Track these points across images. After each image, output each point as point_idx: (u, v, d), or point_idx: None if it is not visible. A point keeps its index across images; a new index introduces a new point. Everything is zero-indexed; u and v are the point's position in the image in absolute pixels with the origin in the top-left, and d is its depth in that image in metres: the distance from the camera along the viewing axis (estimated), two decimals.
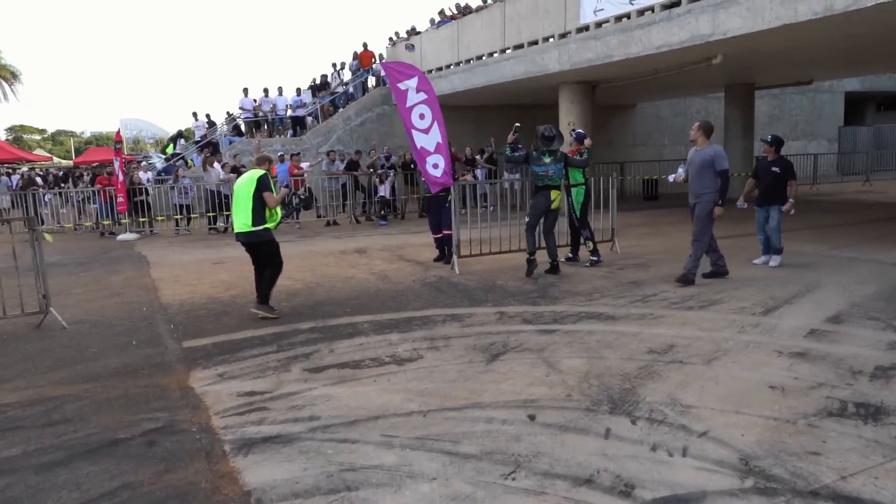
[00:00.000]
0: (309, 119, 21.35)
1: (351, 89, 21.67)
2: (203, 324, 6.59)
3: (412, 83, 8.47)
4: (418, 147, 8.52)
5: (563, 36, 13.59)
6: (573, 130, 9.49)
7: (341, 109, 20.97)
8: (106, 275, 9.85)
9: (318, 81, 22.57)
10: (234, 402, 4.44)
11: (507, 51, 15.52)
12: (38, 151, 46.37)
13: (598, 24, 12.63)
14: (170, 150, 22.91)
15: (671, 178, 8.12)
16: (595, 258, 8.93)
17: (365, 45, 21.65)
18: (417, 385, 4.59)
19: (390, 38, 21.40)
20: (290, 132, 21.07)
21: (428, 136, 8.44)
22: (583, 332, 5.73)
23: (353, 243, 12.14)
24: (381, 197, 15.71)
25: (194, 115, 21.67)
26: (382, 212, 15.74)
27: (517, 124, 8.53)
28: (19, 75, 52.50)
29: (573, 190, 9.01)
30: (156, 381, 4.93)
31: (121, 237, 14.32)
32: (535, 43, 14.40)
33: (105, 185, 14.93)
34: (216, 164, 15.54)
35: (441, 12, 18.73)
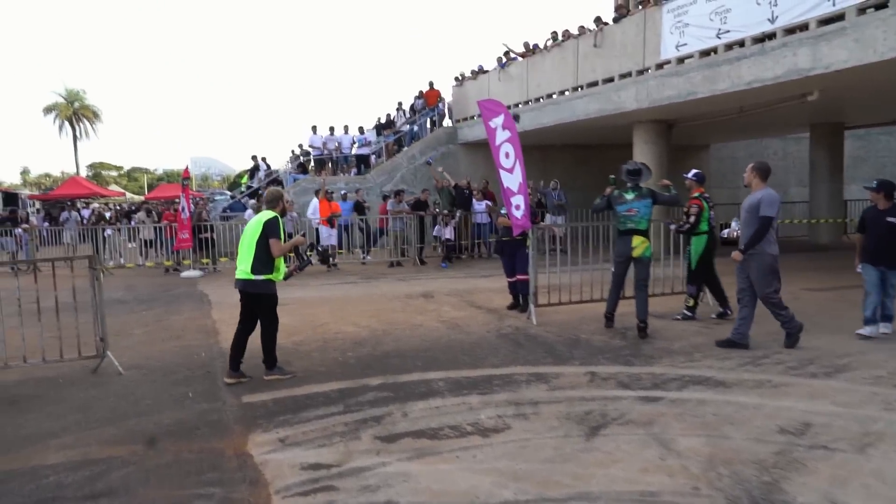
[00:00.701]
0: (373, 158, 21.23)
1: (416, 128, 21.50)
2: (262, 383, 6.08)
3: (499, 120, 8.00)
4: (504, 187, 8.00)
5: (641, 73, 12.95)
6: (691, 173, 8.32)
7: (406, 148, 20.76)
8: (167, 314, 9.57)
9: (382, 120, 22.52)
10: (298, 476, 3.85)
11: (580, 89, 14.96)
12: (113, 187, 48.11)
13: (681, 60, 11.95)
14: (244, 180, 22.97)
15: (725, 232, 7.24)
16: (690, 314, 8.08)
17: (431, 84, 21.51)
18: (508, 464, 3.91)
19: (456, 78, 21.19)
20: (354, 170, 20.98)
21: (512, 176, 7.89)
22: (693, 402, 4.95)
23: (420, 286, 11.60)
24: (447, 240, 15.19)
25: (253, 158, 21.84)
26: (445, 253, 15.21)
27: (612, 176, 7.80)
28: (100, 114, 55.46)
29: (693, 239, 8.11)
30: (211, 444, 4.41)
31: (184, 274, 14.18)
32: (611, 80, 13.80)
33: (171, 220, 14.91)
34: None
35: (507, 52, 18.39)
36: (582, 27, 15.08)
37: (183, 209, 14.06)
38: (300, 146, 22.62)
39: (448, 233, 15.30)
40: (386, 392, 5.46)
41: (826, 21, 9.24)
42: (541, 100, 16.37)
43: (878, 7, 8.70)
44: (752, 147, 23.73)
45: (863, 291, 6.96)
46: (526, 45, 17.52)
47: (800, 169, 25.02)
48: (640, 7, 13.21)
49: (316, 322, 8.55)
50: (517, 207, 7.92)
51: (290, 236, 7.14)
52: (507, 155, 7.97)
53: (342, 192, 15.93)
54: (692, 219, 7.95)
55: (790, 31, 9.84)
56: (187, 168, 14.56)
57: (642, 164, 7.54)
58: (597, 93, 14.18)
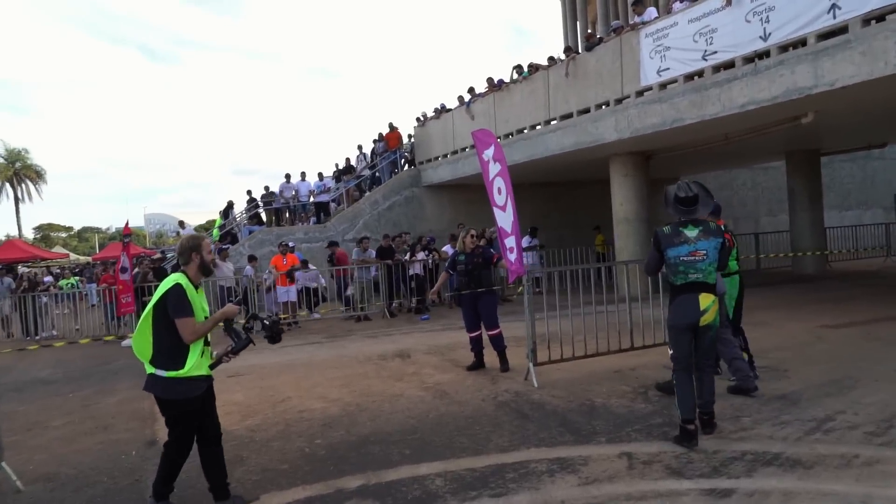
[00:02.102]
0: (333, 205, 20.04)
1: (377, 173, 20.43)
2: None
3: (490, 152, 6.91)
4: (499, 226, 6.86)
5: (619, 101, 12.14)
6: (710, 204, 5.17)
7: (367, 193, 19.64)
8: (98, 396, 8.07)
9: (342, 166, 21.43)
10: None
11: (552, 122, 14.11)
12: (58, 248, 45.72)
13: (663, 86, 11.16)
14: (218, 222, 21.32)
15: None
16: (753, 374, 6.16)
17: (391, 126, 20.55)
18: None
19: (417, 119, 20.29)
20: (313, 219, 19.73)
21: (504, 215, 6.78)
22: (776, 496, 3.78)
23: (392, 344, 10.29)
24: (416, 275, 14.05)
25: (229, 204, 20.43)
26: (421, 303, 13.98)
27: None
28: (44, 174, 53.19)
29: (726, 281, 5.99)
30: None
31: (125, 343, 12.59)
32: (587, 111, 12.96)
33: (110, 283, 13.37)
34: (227, 260, 14.00)
35: (471, 90, 17.57)
36: (551, 58, 14.33)
37: (124, 269, 12.57)
38: (249, 192, 21.34)
39: (416, 268, 14.22)
40: (369, 500, 4.16)
41: (826, 35, 8.51)
42: (511, 136, 15.48)
43: (880, 18, 8.01)
44: (721, 178, 23.32)
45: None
46: (490, 80, 16.72)
47: (769, 198, 24.71)
48: (613, 34, 12.48)
49: (276, 397, 7.19)
50: (510, 250, 6.79)
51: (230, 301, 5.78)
52: (499, 191, 6.88)
53: (290, 244, 14.62)
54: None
55: (784, 48, 9.11)
56: (127, 224, 13.12)
57: (697, 184, 4.90)
58: (571, 125, 13.32)
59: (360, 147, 21.26)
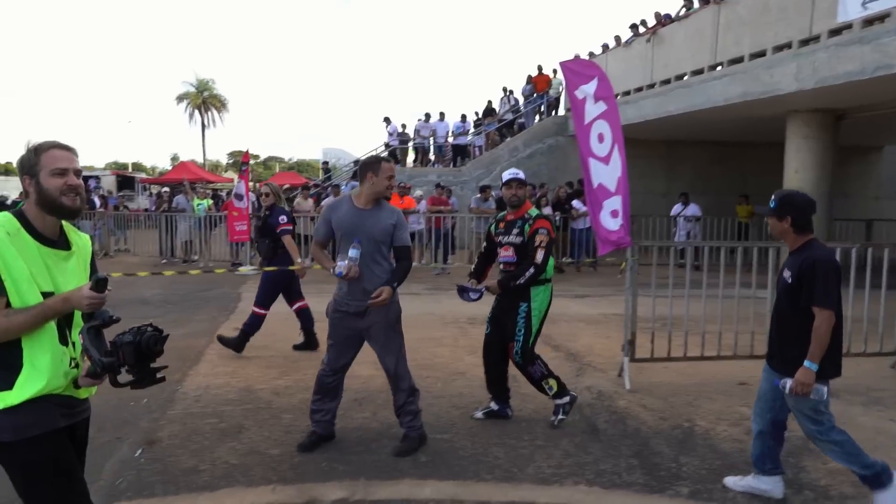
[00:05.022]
0: (475, 149, 18.99)
1: (522, 118, 19.01)
2: (183, 456, 3.96)
3: (590, 88, 5.39)
4: (595, 185, 5.34)
5: (805, 43, 9.77)
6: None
7: (508, 139, 18.34)
8: (171, 325, 7.63)
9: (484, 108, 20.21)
10: None
11: (719, 67, 11.88)
12: (229, 174, 49.14)
13: (866, 23, 8.71)
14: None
15: None
16: None
17: (540, 69, 18.89)
18: None
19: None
20: (451, 162, 18.85)
21: (607, 168, 5.28)
22: None
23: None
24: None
25: (386, 120, 19.96)
26: None
27: None
28: (227, 103, 57.13)
29: None
30: None
31: (240, 270, 12.61)
32: (762, 55, 10.66)
33: (233, 211, 13.39)
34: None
35: (633, 26, 15.45)
36: None
37: (240, 197, 12.45)
38: (387, 120, 20.35)
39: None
40: None
41: None
42: (670, 81, 13.36)
43: None
44: None
45: None
46: (657, 15, 14.51)
47: None
48: None
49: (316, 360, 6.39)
50: (613, 214, 5.31)
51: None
52: (599, 137, 5.37)
53: (408, 186, 13.71)
54: None
55: None
56: (247, 152, 12.96)
57: None
58: (741, 71, 11.07)
59: (504, 89, 19.88)
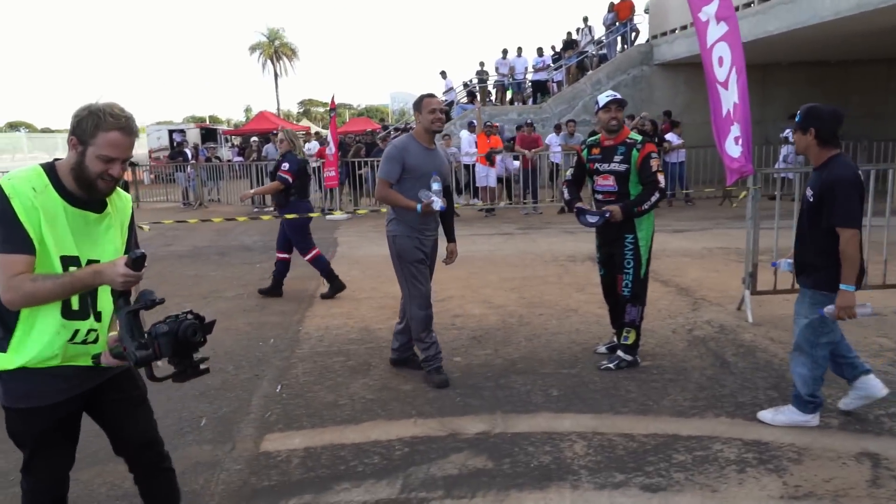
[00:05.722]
0: (553, 84, 18.45)
1: (604, 49, 18.25)
2: (321, 392, 4.12)
3: (711, 8, 5.07)
4: (723, 112, 5.06)
5: None
6: None
7: (590, 72, 17.69)
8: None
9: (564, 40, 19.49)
10: None
11: None
12: (304, 122, 49.74)
13: None
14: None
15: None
16: None
17: None
18: None
19: None
20: (531, 99, 18.41)
21: (728, 93, 5.00)
22: None
23: (591, 243, 9.04)
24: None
25: (442, 74, 19.64)
26: None
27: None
28: (297, 51, 57.45)
29: None
30: None
31: (330, 217, 12.87)
32: None
33: (323, 157, 13.59)
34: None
35: None
36: None
37: (328, 144, 12.60)
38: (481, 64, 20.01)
39: None
40: (482, 456, 3.23)
41: None
42: None
43: None
44: None
45: None
46: None
47: None
48: None
49: (437, 295, 6.42)
50: (736, 140, 5.04)
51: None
52: (720, 61, 5.06)
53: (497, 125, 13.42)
54: None
55: None
56: (333, 99, 13.00)
57: None
58: None
59: (585, 19, 19.06)
